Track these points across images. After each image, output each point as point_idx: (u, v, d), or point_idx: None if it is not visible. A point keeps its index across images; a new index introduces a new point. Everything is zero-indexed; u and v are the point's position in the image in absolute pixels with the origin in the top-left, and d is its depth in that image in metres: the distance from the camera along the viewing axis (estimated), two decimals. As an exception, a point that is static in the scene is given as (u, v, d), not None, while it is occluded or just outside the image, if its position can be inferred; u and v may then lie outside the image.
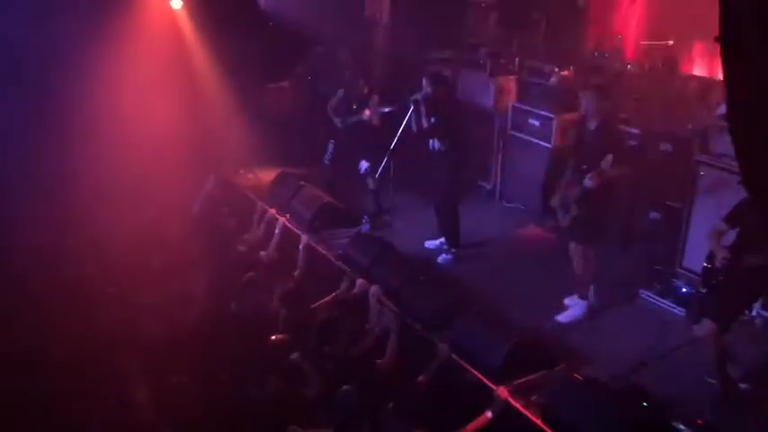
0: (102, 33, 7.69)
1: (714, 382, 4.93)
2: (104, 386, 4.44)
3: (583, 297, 5.95)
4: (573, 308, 5.95)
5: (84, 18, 7.57)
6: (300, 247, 6.49)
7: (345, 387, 4.23)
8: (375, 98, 7.81)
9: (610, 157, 5.42)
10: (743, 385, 4.97)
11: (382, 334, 5.16)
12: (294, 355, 4.69)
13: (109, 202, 6.89)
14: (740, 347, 5.01)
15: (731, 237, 4.85)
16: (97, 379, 4.44)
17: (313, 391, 4.44)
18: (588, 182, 5.52)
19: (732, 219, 4.81)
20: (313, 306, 5.45)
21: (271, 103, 9.29)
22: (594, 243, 5.85)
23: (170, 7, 8.59)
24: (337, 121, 8.01)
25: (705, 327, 4.79)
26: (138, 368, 4.59)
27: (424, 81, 6.79)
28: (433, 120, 6.74)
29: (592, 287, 5.96)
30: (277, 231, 6.74)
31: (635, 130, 6.83)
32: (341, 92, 8.00)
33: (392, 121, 7.51)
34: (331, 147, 8.21)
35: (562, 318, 5.91)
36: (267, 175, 8.81)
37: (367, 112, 7.69)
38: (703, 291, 5.12)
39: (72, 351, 4.75)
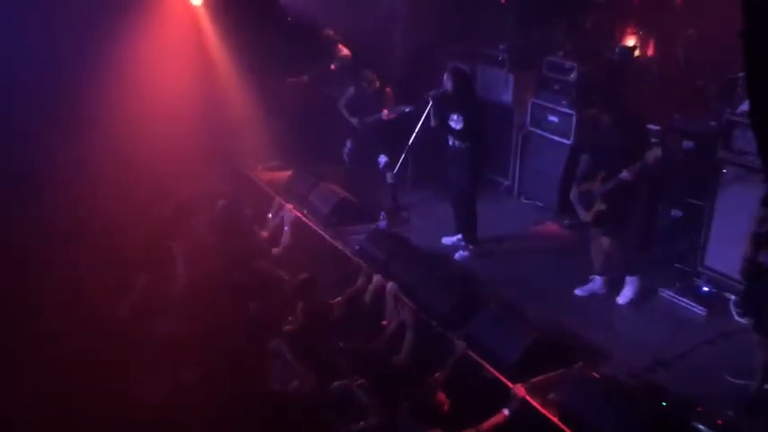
0: (121, 29, 7.75)
1: (737, 381, 4.87)
2: (111, 379, 4.47)
3: (601, 274, 6.07)
4: (591, 283, 6.10)
5: (103, 14, 7.64)
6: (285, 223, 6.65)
7: (339, 382, 4.24)
8: (388, 91, 7.78)
9: (658, 150, 5.48)
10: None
11: (398, 330, 5.16)
12: (273, 344, 4.68)
13: (128, 196, 6.96)
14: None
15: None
16: (103, 372, 4.47)
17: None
18: (627, 175, 5.56)
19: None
20: (330, 302, 5.45)
21: (289, 98, 9.32)
22: (623, 235, 5.92)
23: (190, 3, 8.63)
24: (354, 120, 7.98)
25: (754, 335, 4.71)
26: (149, 361, 4.61)
27: (444, 76, 6.74)
28: (455, 116, 6.69)
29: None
30: (287, 228, 6.76)
31: (655, 127, 6.75)
32: (351, 89, 7.95)
33: (410, 116, 7.49)
34: (349, 144, 8.21)
35: (579, 291, 6.08)
36: (285, 170, 8.84)
37: (385, 112, 7.65)
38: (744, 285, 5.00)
39: (84, 341, 4.78)
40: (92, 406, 4.28)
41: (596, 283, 6.21)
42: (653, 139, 6.68)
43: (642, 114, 6.11)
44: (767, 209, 4.62)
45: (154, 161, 7.57)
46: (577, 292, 6.20)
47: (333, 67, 8.50)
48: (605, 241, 5.99)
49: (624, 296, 6.07)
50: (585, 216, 5.97)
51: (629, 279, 6.07)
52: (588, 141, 6.11)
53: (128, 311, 5.21)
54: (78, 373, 4.54)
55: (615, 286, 6.21)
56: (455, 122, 6.72)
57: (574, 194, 6.01)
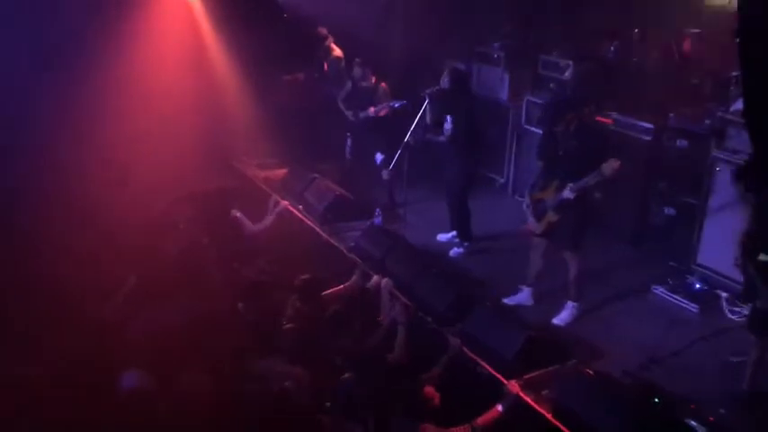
0: (118, 27, 7.74)
1: (736, 360, 4.94)
2: (110, 376, 4.46)
3: (573, 299, 5.83)
4: (564, 311, 5.83)
5: (99, 12, 7.62)
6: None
7: (346, 375, 4.25)
8: (382, 87, 7.82)
9: (615, 162, 5.19)
10: None
11: (392, 327, 5.18)
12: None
13: (123, 194, 6.93)
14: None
15: None
16: (104, 367, 4.46)
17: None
18: (568, 194, 5.42)
19: None
20: (323, 293, 5.44)
21: (286, 95, 9.32)
22: (579, 248, 5.70)
23: (186, 0, 8.62)
24: (349, 114, 8.04)
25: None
26: (147, 358, 4.60)
27: (443, 75, 6.76)
28: (449, 117, 6.72)
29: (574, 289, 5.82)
30: (271, 214, 6.84)
31: (649, 125, 6.80)
32: (349, 84, 8.03)
33: (406, 113, 7.52)
34: (349, 141, 8.25)
35: (557, 320, 5.81)
36: (281, 168, 8.85)
37: (371, 110, 7.71)
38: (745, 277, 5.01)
39: (81, 339, 4.77)
40: (86, 406, 4.27)
41: (524, 294, 6.08)
42: (646, 137, 6.76)
43: (602, 124, 5.95)
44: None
45: (149, 159, 7.56)
46: (505, 301, 6.06)
47: (326, 67, 8.53)
48: (566, 253, 5.72)
49: (561, 319, 5.80)
50: (537, 227, 5.76)
51: (569, 303, 5.83)
52: (543, 149, 5.82)
53: (113, 312, 5.18)
54: (72, 374, 4.53)
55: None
56: (451, 121, 6.74)
57: (526, 203, 5.85)
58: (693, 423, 4.42)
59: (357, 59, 7.95)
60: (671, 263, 6.45)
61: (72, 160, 7.37)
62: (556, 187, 5.56)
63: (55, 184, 7.12)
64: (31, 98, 7.48)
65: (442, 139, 6.81)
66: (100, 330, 4.90)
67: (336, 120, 8.31)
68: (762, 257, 4.53)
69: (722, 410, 4.66)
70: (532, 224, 5.81)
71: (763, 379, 4.87)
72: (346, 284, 5.78)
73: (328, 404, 4.30)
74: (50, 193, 6.93)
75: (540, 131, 5.93)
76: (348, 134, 8.23)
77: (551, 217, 5.61)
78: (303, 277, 5.35)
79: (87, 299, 5.27)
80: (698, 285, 6.11)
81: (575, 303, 5.83)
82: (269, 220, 6.97)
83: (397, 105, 7.59)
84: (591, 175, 5.31)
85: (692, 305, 5.96)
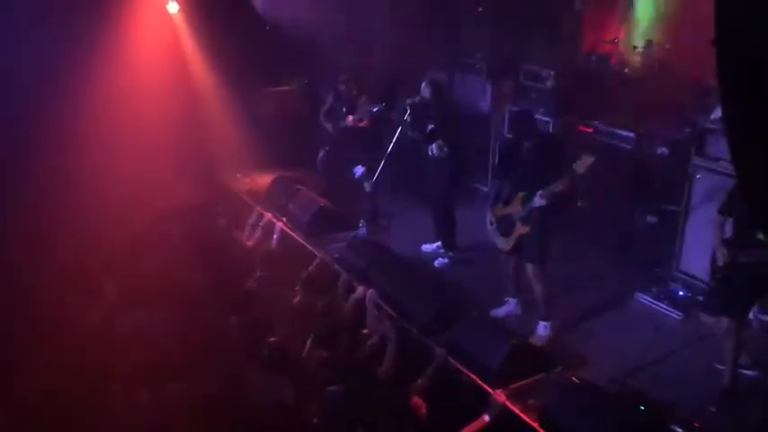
0: (97, 38, 7.69)
1: (723, 368, 4.94)
2: (99, 392, 4.40)
3: (543, 318, 5.71)
4: (538, 330, 5.72)
5: (79, 23, 7.57)
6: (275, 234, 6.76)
7: (332, 387, 4.23)
8: (363, 99, 7.84)
9: (588, 158, 5.13)
10: (749, 372, 5.01)
11: (380, 340, 5.15)
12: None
13: (105, 206, 6.87)
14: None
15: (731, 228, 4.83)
16: (89, 385, 4.41)
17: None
18: (539, 201, 5.35)
19: (726, 208, 4.81)
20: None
21: (269, 106, 9.30)
22: (543, 261, 5.61)
23: (167, 12, 8.59)
24: (328, 126, 8.04)
25: (722, 323, 4.82)
26: (135, 374, 4.54)
27: (422, 85, 6.79)
28: (431, 126, 6.75)
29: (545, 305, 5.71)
30: (275, 236, 6.77)
31: (630, 134, 6.86)
32: (330, 97, 8.03)
33: (386, 123, 7.54)
34: (322, 153, 8.24)
35: (533, 340, 5.65)
36: (264, 179, 8.82)
37: (350, 119, 7.73)
38: (712, 285, 5.18)
39: (66, 356, 4.71)
40: (72, 420, 4.21)
41: (511, 305, 6.07)
42: (627, 146, 6.80)
43: (560, 136, 6.03)
44: (724, 216, 4.81)
45: (131, 171, 7.51)
46: (493, 313, 6.03)
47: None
48: (529, 268, 5.62)
49: (536, 338, 5.65)
50: (505, 243, 5.68)
51: (541, 324, 5.70)
52: (506, 164, 5.81)
53: (96, 319, 5.13)
54: (55, 387, 4.47)
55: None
56: (433, 132, 6.75)
57: (489, 221, 5.78)
58: (679, 429, 4.44)
59: (341, 77, 7.93)
60: (654, 270, 6.49)
61: (55, 170, 7.31)
62: (522, 199, 5.53)
63: (39, 191, 7.06)
64: (5, 109, 7.39)
65: (434, 153, 6.81)
66: (84, 341, 4.85)
67: (318, 131, 8.30)
68: (740, 259, 4.62)
69: (712, 409, 4.72)
70: (500, 242, 5.77)
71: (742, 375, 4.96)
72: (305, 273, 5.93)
73: (316, 420, 4.27)
74: (33, 202, 6.87)
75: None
76: (326, 147, 8.22)
77: (521, 229, 5.55)
78: (305, 273, 5.62)
79: (69, 309, 5.22)
80: (681, 292, 6.15)
81: (546, 323, 5.71)
82: (257, 234, 6.94)
83: (375, 110, 7.64)
84: (562, 178, 5.30)
85: (676, 312, 6.00)
